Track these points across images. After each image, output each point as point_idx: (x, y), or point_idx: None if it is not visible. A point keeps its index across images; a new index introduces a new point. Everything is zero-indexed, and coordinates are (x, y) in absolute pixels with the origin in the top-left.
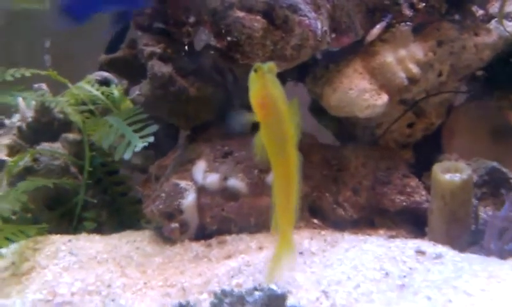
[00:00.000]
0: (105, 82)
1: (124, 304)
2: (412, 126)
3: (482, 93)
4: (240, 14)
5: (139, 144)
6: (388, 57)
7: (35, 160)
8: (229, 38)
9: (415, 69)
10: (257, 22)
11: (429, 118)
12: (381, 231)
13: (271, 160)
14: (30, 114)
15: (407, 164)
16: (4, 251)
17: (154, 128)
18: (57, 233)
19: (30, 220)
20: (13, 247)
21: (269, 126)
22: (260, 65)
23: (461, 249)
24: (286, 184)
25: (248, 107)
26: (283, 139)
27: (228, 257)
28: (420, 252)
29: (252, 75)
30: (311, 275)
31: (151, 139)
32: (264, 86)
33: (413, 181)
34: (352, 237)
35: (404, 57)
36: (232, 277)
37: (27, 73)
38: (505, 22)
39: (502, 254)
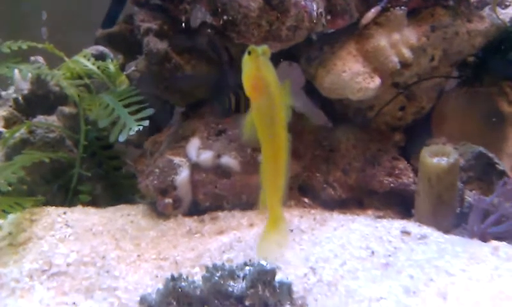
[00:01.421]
0: (101, 57)
1: (118, 276)
2: (403, 110)
3: (473, 79)
4: None
5: (134, 127)
6: (381, 40)
7: (31, 132)
8: (225, 17)
9: (407, 53)
10: (253, 2)
11: (420, 102)
12: (369, 212)
13: (260, 140)
14: (25, 86)
15: (397, 147)
16: (1, 221)
17: (149, 111)
18: (52, 205)
19: (26, 192)
20: (10, 218)
21: (260, 108)
22: (254, 48)
23: (446, 230)
24: (274, 163)
25: (242, 87)
26: (273, 121)
27: (220, 233)
28: (406, 233)
29: (246, 57)
30: (300, 252)
31: (146, 123)
32: (257, 68)
33: (402, 164)
34: (341, 216)
35: (398, 41)
36: (224, 252)
37: (24, 46)
38: (498, 9)
39: (484, 237)
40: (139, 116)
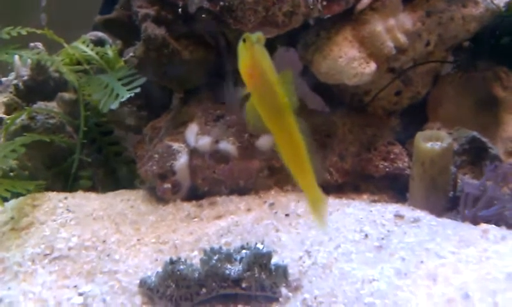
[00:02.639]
0: (99, 42)
1: (118, 259)
2: (399, 95)
3: (468, 64)
4: None
5: (126, 95)
6: (377, 26)
7: (32, 118)
8: (222, 3)
9: (402, 38)
10: None
11: (415, 87)
12: (365, 196)
13: (270, 127)
14: (25, 72)
15: (393, 131)
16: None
17: (142, 80)
18: (53, 191)
19: (27, 177)
20: (12, 202)
21: (259, 95)
22: (248, 35)
23: (439, 214)
24: (291, 147)
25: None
26: (276, 106)
27: (219, 217)
28: (399, 216)
29: (240, 45)
30: (296, 236)
31: (137, 89)
32: (252, 56)
33: (397, 148)
34: (336, 201)
35: (393, 27)
36: (221, 236)
37: (24, 32)
38: None
39: (475, 220)
40: (131, 85)
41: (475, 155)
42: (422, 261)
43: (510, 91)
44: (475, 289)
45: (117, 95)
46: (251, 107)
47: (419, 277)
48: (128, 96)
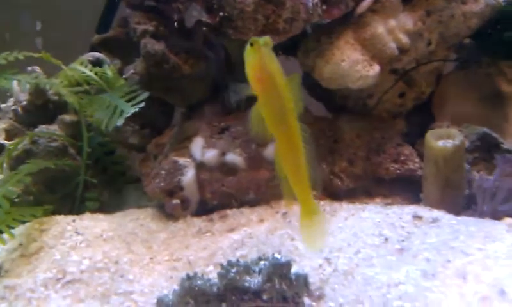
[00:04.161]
0: (97, 63)
1: (132, 279)
2: (403, 96)
3: (471, 61)
4: None
5: (130, 110)
6: (378, 28)
7: (34, 142)
8: (221, 13)
9: (404, 39)
10: None
11: (419, 87)
12: (377, 200)
13: (272, 132)
14: (24, 97)
15: (400, 134)
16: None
17: (145, 95)
18: (59, 214)
19: (32, 202)
20: (20, 228)
21: (267, 99)
22: (255, 39)
23: (456, 213)
24: (292, 154)
25: (242, 83)
26: (282, 111)
27: (231, 230)
28: (417, 217)
29: (248, 48)
30: None
31: (142, 104)
32: (260, 59)
33: (407, 150)
34: (350, 206)
35: (394, 28)
36: (236, 249)
37: (21, 56)
38: None
39: (496, 215)
40: (134, 101)
41: (487, 151)
42: (448, 260)
43: None
44: (510, 285)
45: (121, 112)
46: (257, 113)
47: (448, 277)
48: (133, 111)
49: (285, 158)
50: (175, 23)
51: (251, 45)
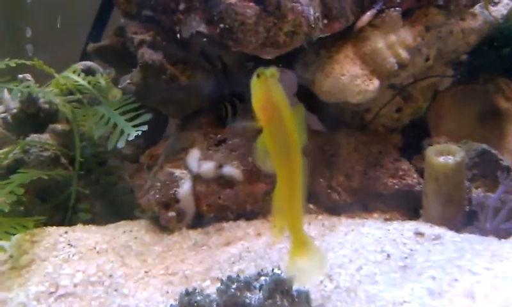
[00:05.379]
0: (89, 71)
1: (127, 293)
2: (400, 111)
3: (468, 77)
4: (233, 0)
5: (132, 133)
6: (378, 42)
7: (25, 151)
8: (221, 25)
9: (404, 54)
10: (250, 9)
11: (416, 102)
12: (375, 215)
13: (274, 164)
14: (14, 106)
15: (397, 148)
16: (2, 244)
17: (147, 116)
18: (51, 225)
19: (23, 213)
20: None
21: (272, 131)
22: (262, 70)
23: (457, 229)
24: (291, 188)
25: (238, 97)
26: (286, 144)
27: (228, 244)
28: (419, 234)
29: (254, 80)
30: None
31: (144, 127)
32: (266, 91)
33: (405, 165)
34: (349, 221)
35: (394, 43)
36: (233, 263)
37: (12, 64)
38: (489, 6)
39: (499, 234)
40: (137, 121)
41: (486, 168)
42: (456, 279)
43: None
44: None
45: (122, 131)
46: (262, 144)
47: (455, 296)
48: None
49: (283, 191)
50: (178, 35)
51: (258, 76)
